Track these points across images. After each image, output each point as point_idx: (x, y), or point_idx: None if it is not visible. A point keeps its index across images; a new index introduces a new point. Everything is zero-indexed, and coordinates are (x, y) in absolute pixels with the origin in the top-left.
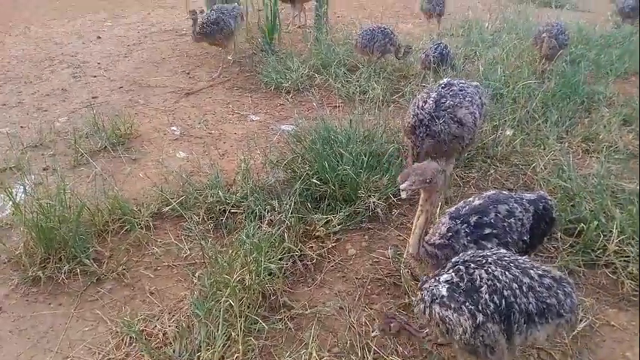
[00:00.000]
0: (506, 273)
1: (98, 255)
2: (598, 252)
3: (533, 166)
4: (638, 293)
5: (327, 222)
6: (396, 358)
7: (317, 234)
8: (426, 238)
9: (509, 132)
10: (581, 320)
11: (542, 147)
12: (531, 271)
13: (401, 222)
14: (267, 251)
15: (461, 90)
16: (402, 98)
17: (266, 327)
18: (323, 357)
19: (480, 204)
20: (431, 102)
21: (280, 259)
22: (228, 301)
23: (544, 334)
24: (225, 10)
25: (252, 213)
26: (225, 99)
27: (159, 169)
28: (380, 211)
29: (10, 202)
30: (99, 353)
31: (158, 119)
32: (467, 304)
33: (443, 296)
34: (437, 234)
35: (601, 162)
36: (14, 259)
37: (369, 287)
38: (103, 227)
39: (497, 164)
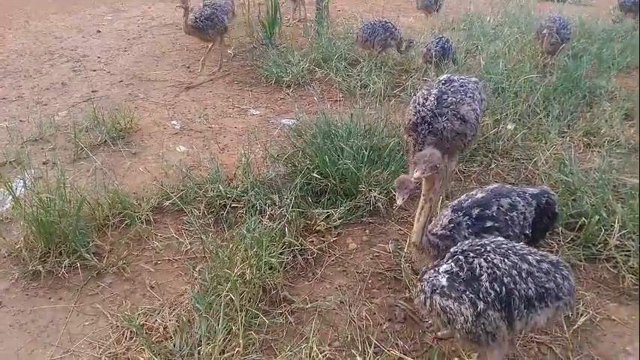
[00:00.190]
0: (505, 260)
1: (98, 249)
2: (599, 246)
3: (535, 161)
4: (638, 287)
5: (327, 216)
6: (396, 352)
7: (318, 228)
8: (429, 227)
9: (510, 126)
10: (581, 314)
11: (543, 141)
12: (529, 257)
13: (401, 216)
14: (268, 245)
15: (462, 86)
16: (403, 92)
17: (267, 321)
18: (324, 351)
19: (482, 197)
20: (432, 99)
21: (281, 254)
22: (228, 295)
23: (544, 317)
24: (219, 7)
25: (252, 207)
26: (225, 93)
27: (159, 163)
28: (381, 206)
29: (10, 196)
30: (99, 347)
31: (158, 113)
32: (467, 292)
33: (443, 286)
34: (439, 225)
35: (602, 156)
36: (14, 254)
37: (369, 281)
38: (103, 221)
39: (499, 158)
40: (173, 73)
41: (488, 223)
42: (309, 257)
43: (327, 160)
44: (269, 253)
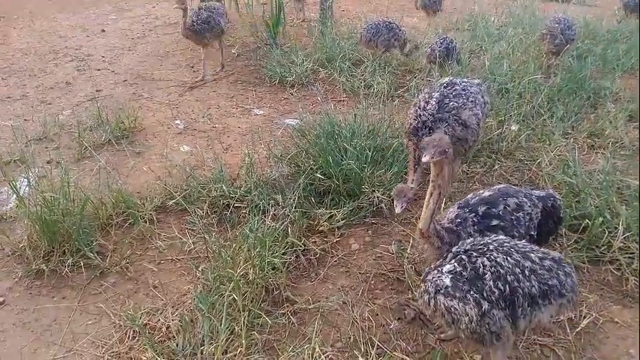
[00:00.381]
0: (508, 258)
1: (102, 248)
2: (602, 248)
3: (539, 162)
4: None
5: (330, 217)
6: (399, 354)
7: (320, 229)
8: (436, 218)
9: (514, 127)
10: (584, 317)
11: (547, 142)
12: (532, 255)
13: (405, 217)
14: (271, 246)
15: (464, 90)
16: (407, 93)
17: (269, 321)
18: (326, 352)
19: (489, 195)
20: (434, 103)
21: (284, 254)
22: (231, 295)
23: (548, 315)
24: (215, 9)
25: (255, 207)
26: (229, 93)
27: (163, 163)
28: (384, 206)
29: (14, 195)
30: (102, 346)
31: (162, 113)
32: (471, 292)
33: (447, 286)
34: (446, 218)
35: (607, 158)
36: (18, 252)
37: (372, 282)
38: (106, 221)
39: (502, 159)
40: (177, 72)
41: (494, 222)
42: (312, 258)
43: (331, 160)
44: (272, 254)
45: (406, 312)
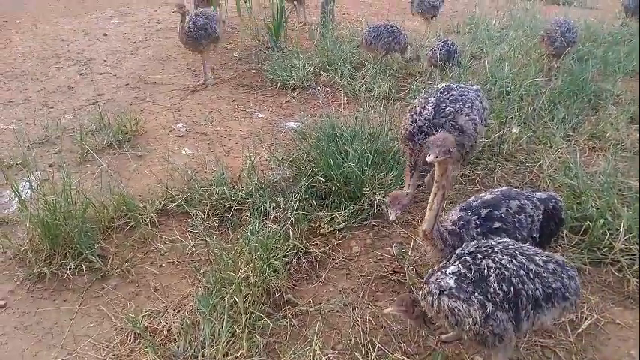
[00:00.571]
0: (513, 260)
1: (103, 251)
2: (604, 250)
3: (540, 164)
4: None
5: (331, 219)
6: (400, 356)
7: (322, 231)
8: (440, 219)
9: (515, 129)
10: (586, 318)
11: (548, 145)
12: (536, 257)
13: (406, 219)
14: (272, 248)
15: (461, 95)
16: (408, 96)
17: (270, 324)
18: (327, 354)
19: (492, 198)
20: (430, 108)
21: (285, 256)
22: (232, 297)
23: (550, 318)
24: (210, 16)
25: (257, 210)
26: (230, 96)
27: (164, 166)
28: (385, 209)
29: (17, 199)
30: (104, 349)
31: (164, 116)
32: (476, 294)
33: (451, 287)
34: (448, 220)
35: (608, 160)
36: (20, 256)
37: (373, 284)
38: (108, 224)
39: (503, 162)
40: (179, 76)
41: (497, 224)
42: (313, 260)
43: (332, 163)
44: (273, 256)
45: (416, 308)
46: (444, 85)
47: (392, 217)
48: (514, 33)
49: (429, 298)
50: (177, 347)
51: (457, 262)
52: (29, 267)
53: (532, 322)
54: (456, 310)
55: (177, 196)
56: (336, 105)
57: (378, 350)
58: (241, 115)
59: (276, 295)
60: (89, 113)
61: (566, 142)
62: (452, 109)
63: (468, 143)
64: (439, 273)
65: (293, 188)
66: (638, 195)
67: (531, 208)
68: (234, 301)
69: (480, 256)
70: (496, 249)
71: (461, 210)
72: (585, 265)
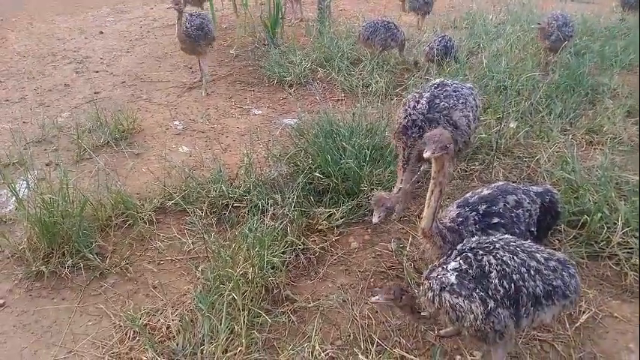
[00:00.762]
0: (514, 257)
1: (101, 249)
2: (601, 244)
3: (537, 159)
4: None
5: (329, 215)
6: (399, 351)
7: (320, 227)
8: (438, 216)
9: (512, 124)
10: (584, 312)
11: (545, 139)
12: (537, 255)
13: (404, 215)
14: (270, 245)
15: (455, 91)
16: (405, 91)
17: (269, 320)
18: (326, 350)
19: (489, 193)
20: (424, 102)
21: (283, 253)
22: (231, 294)
23: (550, 315)
24: (205, 16)
25: (255, 207)
26: (227, 93)
27: (161, 164)
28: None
29: (14, 198)
30: (102, 347)
31: (161, 114)
32: (477, 290)
33: (452, 284)
34: (447, 217)
35: (605, 154)
36: (18, 254)
37: (371, 280)
38: (106, 222)
39: (501, 156)
40: (175, 73)
41: (495, 220)
42: (312, 256)
43: (330, 159)
44: (271, 253)
45: (404, 296)
46: (438, 80)
47: (375, 220)
48: (511, 28)
49: (430, 294)
50: (177, 345)
51: (458, 258)
52: (27, 266)
53: (532, 319)
54: (457, 306)
55: (174, 193)
56: (333, 101)
57: (377, 346)
58: (238, 112)
59: (275, 291)
60: (86, 111)
61: (564, 137)
62: (446, 104)
63: (462, 139)
64: (440, 269)
65: (291, 185)
66: (635, 189)
67: (528, 202)
68: (233, 298)
69: (481, 252)
70: (497, 245)
71: (458, 206)
72: (583, 258)
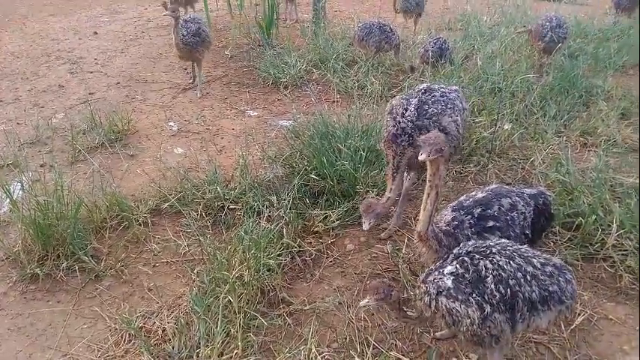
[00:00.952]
0: (511, 262)
1: (96, 252)
2: (596, 246)
3: (532, 161)
4: (635, 287)
5: (325, 217)
6: (395, 353)
7: (315, 229)
8: (434, 220)
9: (507, 126)
10: (579, 314)
11: (540, 141)
12: (534, 260)
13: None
14: (266, 247)
15: (442, 96)
16: (401, 93)
17: (265, 323)
18: (322, 352)
19: (483, 197)
20: (412, 109)
21: (279, 255)
22: (227, 297)
23: (546, 320)
24: (200, 20)
25: (250, 209)
26: (222, 94)
27: (157, 165)
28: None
29: (8, 200)
30: (98, 350)
31: (155, 115)
32: (474, 295)
33: (449, 288)
34: (442, 221)
35: (599, 156)
36: (12, 257)
37: (367, 282)
38: (101, 224)
39: (496, 158)
40: (170, 74)
41: (490, 223)
42: (308, 258)
43: (325, 161)
44: (267, 255)
45: (393, 293)
46: (424, 85)
47: (365, 227)
48: (505, 29)
49: (427, 298)
50: (172, 348)
51: (454, 262)
52: (22, 268)
53: (527, 324)
54: (453, 310)
55: (170, 195)
56: (328, 103)
57: (374, 348)
58: (233, 114)
59: (271, 294)
60: (80, 112)
61: (558, 139)
62: (435, 110)
63: (451, 144)
64: (436, 273)
65: (286, 187)
66: (629, 191)
67: (523, 205)
68: (229, 300)
69: (477, 256)
70: (494, 250)
71: (453, 210)
72: (578, 260)
